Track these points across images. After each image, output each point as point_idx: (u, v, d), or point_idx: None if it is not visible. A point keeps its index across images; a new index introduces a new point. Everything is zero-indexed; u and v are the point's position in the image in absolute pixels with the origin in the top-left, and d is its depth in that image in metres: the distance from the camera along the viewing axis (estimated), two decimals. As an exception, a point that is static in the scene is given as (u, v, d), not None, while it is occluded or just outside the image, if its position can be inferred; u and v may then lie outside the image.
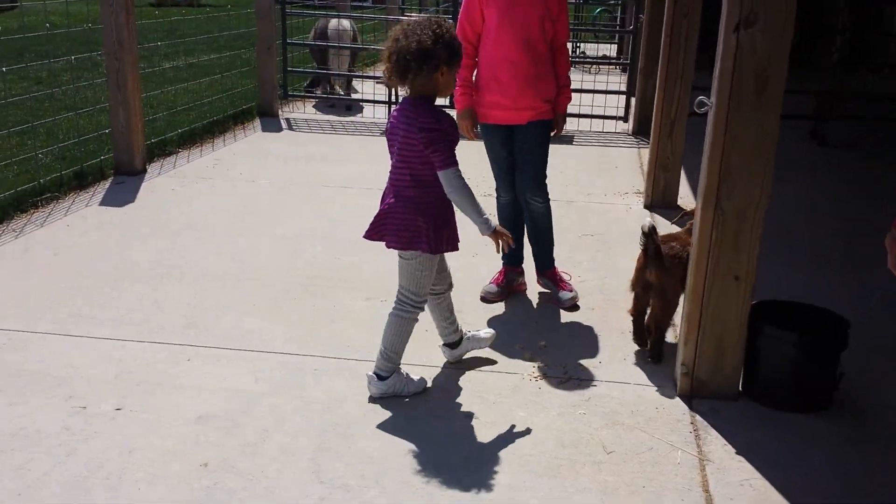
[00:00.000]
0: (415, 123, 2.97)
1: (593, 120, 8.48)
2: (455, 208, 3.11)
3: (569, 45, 12.35)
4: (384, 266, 4.59)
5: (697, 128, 3.90)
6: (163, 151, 7.06)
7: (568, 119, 8.41)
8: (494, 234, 3.10)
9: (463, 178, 3.03)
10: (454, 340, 3.50)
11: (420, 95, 3.02)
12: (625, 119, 8.59)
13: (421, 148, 2.98)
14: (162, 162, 6.83)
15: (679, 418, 3.14)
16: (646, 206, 5.82)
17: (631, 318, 3.69)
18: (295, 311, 4.02)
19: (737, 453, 2.92)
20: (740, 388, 3.27)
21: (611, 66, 12.17)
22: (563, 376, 3.44)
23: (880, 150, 8.01)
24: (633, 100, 8.45)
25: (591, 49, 14.87)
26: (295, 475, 2.73)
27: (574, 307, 4.12)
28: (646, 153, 7.43)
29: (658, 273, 3.47)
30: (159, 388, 3.27)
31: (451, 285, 3.42)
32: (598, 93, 8.57)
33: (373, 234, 3.16)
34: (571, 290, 4.19)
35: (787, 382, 3.19)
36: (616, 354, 3.64)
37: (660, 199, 5.83)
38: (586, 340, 3.77)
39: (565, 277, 4.32)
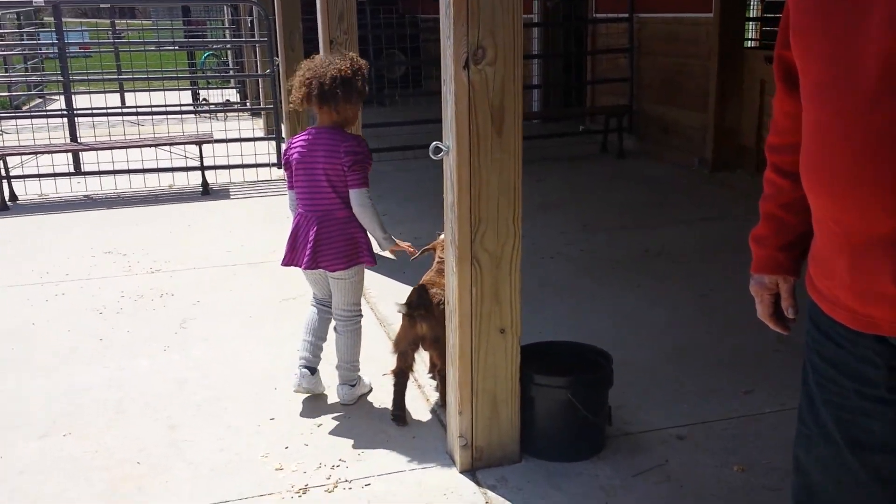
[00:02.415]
0: (339, 147, 3.21)
1: (245, 170, 7.92)
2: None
3: (189, 94, 11.57)
4: (54, 387, 3.67)
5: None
6: None
7: (217, 171, 7.81)
8: (397, 246, 3.36)
9: (371, 199, 3.29)
10: (316, 366, 3.50)
11: (335, 124, 3.27)
12: (279, 165, 8.14)
13: (345, 170, 3.20)
14: None
15: (471, 500, 2.78)
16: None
17: (393, 382, 3.29)
18: (-55, 478, 2.98)
19: (545, 525, 2.64)
20: (521, 449, 3.00)
21: (239, 113, 11.62)
22: (328, 482, 2.89)
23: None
24: (283, 145, 8.03)
25: (213, 96, 14.16)
26: None
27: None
28: (310, 199, 7.09)
29: (429, 325, 3.20)
30: None
31: None
32: (245, 141, 8.03)
33: (310, 263, 3.26)
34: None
35: (563, 431, 2.99)
36: (376, 438, 3.18)
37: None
38: (336, 425, 3.26)
39: None
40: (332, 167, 3.21)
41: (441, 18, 2.75)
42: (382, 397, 3.44)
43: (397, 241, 3.36)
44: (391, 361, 3.38)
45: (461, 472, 2.92)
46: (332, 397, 3.51)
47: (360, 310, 3.47)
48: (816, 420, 1.64)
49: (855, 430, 1.57)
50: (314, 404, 3.46)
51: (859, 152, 1.34)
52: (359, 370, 3.49)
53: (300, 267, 3.31)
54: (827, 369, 1.59)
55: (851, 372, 1.54)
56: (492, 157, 2.76)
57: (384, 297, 4.62)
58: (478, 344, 2.86)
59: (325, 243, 3.26)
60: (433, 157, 2.83)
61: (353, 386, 3.46)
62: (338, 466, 2.97)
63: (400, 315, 3.32)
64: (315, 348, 3.48)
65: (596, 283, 4.88)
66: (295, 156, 3.29)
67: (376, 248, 3.36)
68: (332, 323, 3.50)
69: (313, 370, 3.47)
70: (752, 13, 7.65)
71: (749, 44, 7.65)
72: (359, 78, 3.25)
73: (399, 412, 3.26)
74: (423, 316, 3.20)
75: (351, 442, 3.15)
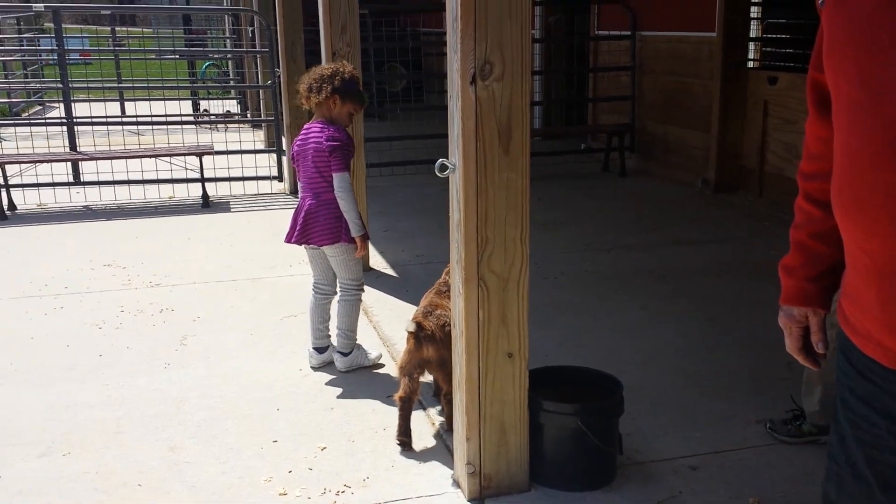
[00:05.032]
0: (323, 135, 3.67)
1: (246, 182, 7.87)
2: None
3: (189, 104, 11.47)
4: (52, 404, 3.61)
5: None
6: None
7: (217, 183, 7.77)
8: (363, 239, 3.75)
9: (351, 185, 3.71)
10: (324, 345, 3.94)
11: (324, 118, 3.73)
12: (279, 178, 8.09)
13: (327, 156, 3.64)
14: None
15: (479, 529, 2.73)
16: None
17: (398, 407, 3.22)
18: (-60, 498, 2.91)
19: (554, 556, 2.58)
20: (530, 477, 2.94)
21: (240, 125, 11.56)
22: (333, 508, 2.84)
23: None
24: (284, 158, 8.00)
25: (213, 107, 14.09)
26: None
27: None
28: (311, 213, 7.05)
29: (435, 348, 3.17)
30: None
31: (336, 292, 3.93)
32: (246, 153, 7.99)
33: (301, 238, 3.75)
34: None
35: (573, 459, 2.93)
36: (380, 462, 3.13)
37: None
38: (340, 449, 3.21)
39: None
40: (319, 154, 3.67)
41: (448, 32, 2.71)
42: (388, 421, 3.39)
43: (363, 243, 3.76)
44: (394, 383, 3.33)
45: (469, 501, 2.86)
46: (335, 419, 3.46)
47: (360, 284, 3.90)
48: (847, 458, 1.59)
49: (887, 470, 1.53)
50: (318, 426, 3.40)
51: (887, 178, 1.30)
52: (355, 339, 3.91)
53: (293, 242, 3.78)
54: (859, 406, 1.55)
55: (884, 410, 1.50)
56: (499, 176, 2.71)
57: (386, 317, 4.58)
58: (485, 369, 2.81)
59: (312, 221, 3.72)
60: (439, 174, 2.78)
61: (347, 355, 3.87)
62: (343, 493, 2.91)
63: (403, 335, 3.28)
64: (318, 331, 3.93)
65: (601, 303, 4.84)
66: (295, 148, 3.80)
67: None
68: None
69: (321, 350, 3.93)
70: (753, 33, 7.63)
71: (750, 64, 7.64)
72: (337, 78, 3.68)
73: (405, 438, 3.21)
74: (429, 338, 3.16)
75: (356, 467, 3.09)
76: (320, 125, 3.72)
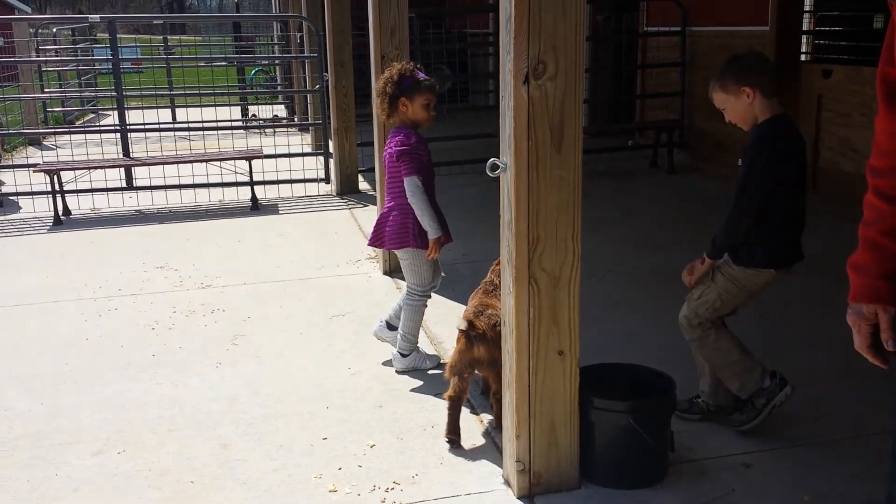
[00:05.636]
0: (393, 142, 3.71)
1: (294, 185, 7.95)
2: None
3: (238, 109, 11.58)
4: (107, 403, 3.67)
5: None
6: None
7: (266, 186, 7.85)
8: (435, 241, 3.72)
9: (422, 188, 3.69)
10: (395, 325, 3.98)
11: (399, 123, 3.77)
12: (326, 181, 8.16)
13: (397, 161, 3.67)
14: None
15: (530, 527, 2.71)
16: (385, 273, 5.40)
17: (447, 405, 3.21)
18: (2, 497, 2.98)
19: (607, 556, 2.55)
20: (580, 475, 2.91)
21: (288, 129, 11.68)
22: (382, 505, 2.84)
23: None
24: (331, 161, 8.06)
25: (262, 112, 14.26)
26: None
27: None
28: (359, 213, 7.10)
29: (486, 347, 3.15)
30: None
31: (434, 288, 3.98)
32: (294, 156, 8.06)
33: (373, 241, 3.90)
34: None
35: (624, 457, 2.89)
36: (430, 459, 3.12)
37: (397, 264, 5.43)
38: (389, 447, 3.21)
39: None
40: (390, 159, 3.73)
41: (501, 33, 2.70)
42: (436, 419, 3.38)
43: (435, 245, 3.71)
44: (441, 381, 3.32)
45: (518, 498, 2.84)
46: (384, 417, 3.47)
47: (423, 291, 3.88)
48: None
49: None
50: (367, 424, 3.41)
51: None
52: (415, 343, 3.91)
53: (370, 245, 3.95)
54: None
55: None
56: (550, 175, 2.69)
57: (432, 315, 4.55)
58: (535, 366, 2.79)
59: (382, 225, 3.82)
60: (490, 174, 2.77)
61: (405, 356, 3.88)
62: (392, 489, 2.91)
63: (449, 333, 3.27)
64: (397, 312, 3.99)
65: (651, 301, 4.77)
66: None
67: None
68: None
69: (391, 326, 4.01)
70: (806, 26, 7.48)
71: (804, 58, 7.48)
72: (388, 85, 3.71)
73: (454, 436, 3.20)
74: (480, 338, 3.15)
75: (405, 464, 3.09)
76: (394, 131, 3.79)
